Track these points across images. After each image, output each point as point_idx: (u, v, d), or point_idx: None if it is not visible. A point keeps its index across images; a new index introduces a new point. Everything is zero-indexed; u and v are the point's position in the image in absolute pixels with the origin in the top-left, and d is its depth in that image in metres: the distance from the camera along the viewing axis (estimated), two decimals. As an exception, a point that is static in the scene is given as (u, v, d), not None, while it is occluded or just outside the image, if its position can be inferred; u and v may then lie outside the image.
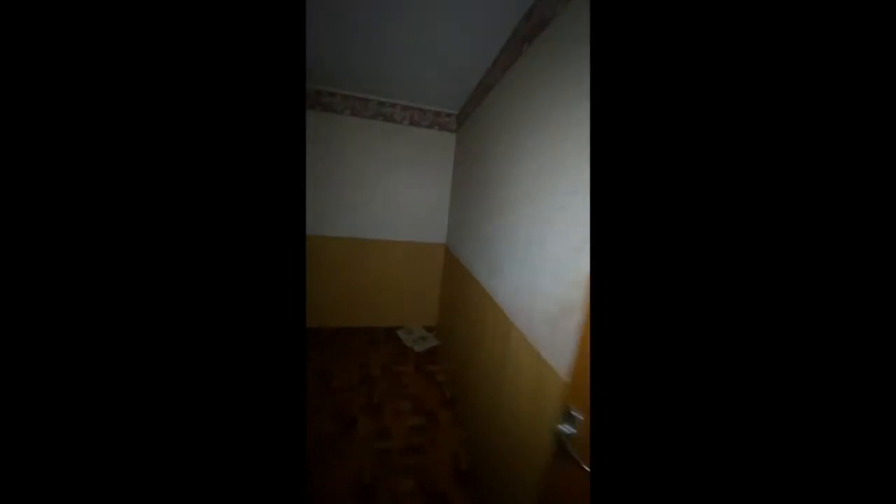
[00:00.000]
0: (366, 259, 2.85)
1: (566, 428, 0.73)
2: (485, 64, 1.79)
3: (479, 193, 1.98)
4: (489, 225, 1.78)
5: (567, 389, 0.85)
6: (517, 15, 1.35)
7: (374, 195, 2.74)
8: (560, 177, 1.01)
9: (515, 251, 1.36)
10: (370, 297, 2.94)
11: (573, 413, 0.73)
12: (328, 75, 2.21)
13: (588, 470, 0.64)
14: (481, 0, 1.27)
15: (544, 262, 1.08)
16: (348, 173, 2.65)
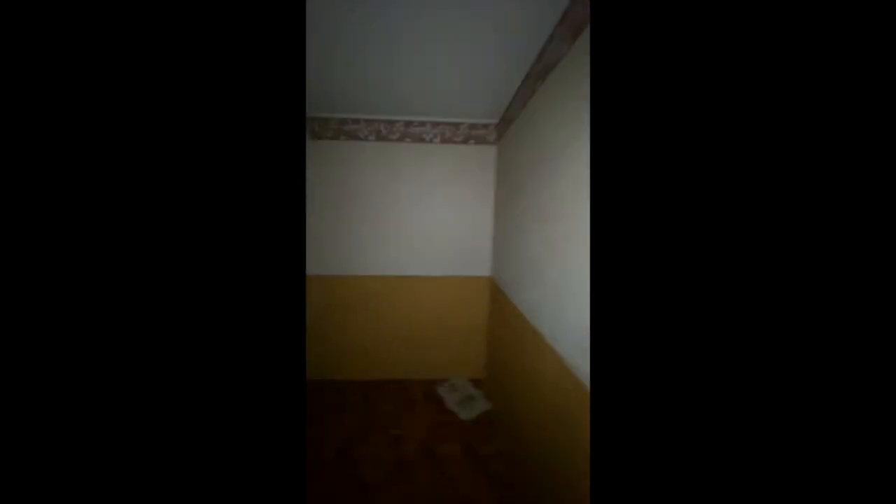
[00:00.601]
0: (399, 299, 2.44)
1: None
2: (529, 57, 1.39)
3: (533, 213, 1.50)
4: (547, 253, 1.27)
5: None
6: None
7: (406, 225, 2.38)
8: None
9: (582, 288, 0.87)
10: (405, 345, 2.49)
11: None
12: (349, 102, 2.00)
13: None
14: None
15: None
16: (376, 203, 2.35)
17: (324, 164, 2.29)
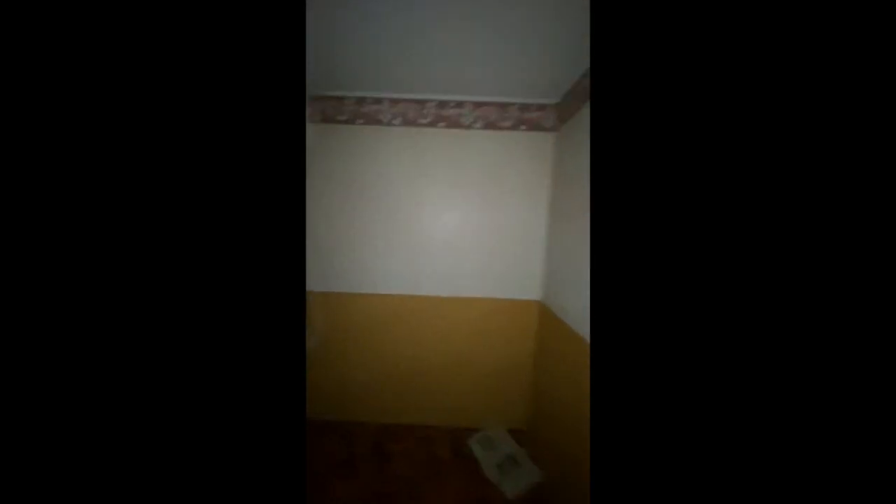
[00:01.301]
0: (421, 325, 1.95)
1: None
2: None
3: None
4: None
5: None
6: None
7: (433, 233, 1.89)
8: None
9: None
10: (427, 382, 1.99)
11: None
12: (369, 77, 1.54)
13: None
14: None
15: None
16: (397, 204, 1.87)
17: (335, 155, 1.84)
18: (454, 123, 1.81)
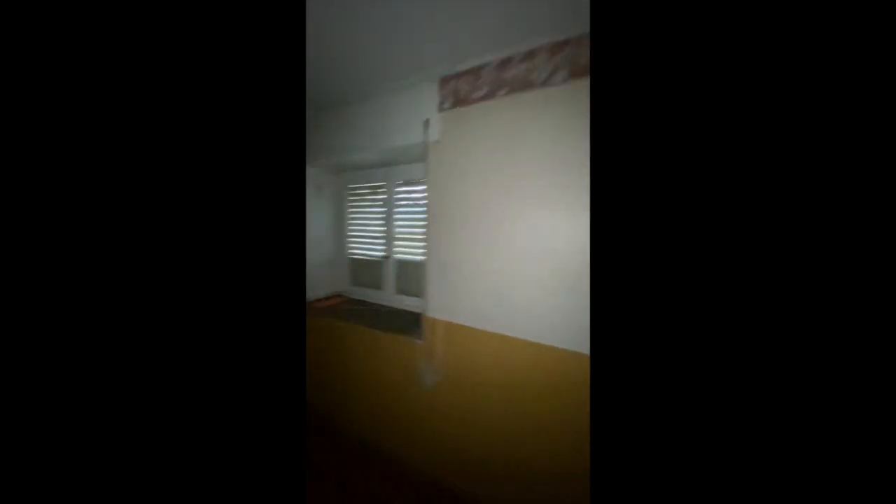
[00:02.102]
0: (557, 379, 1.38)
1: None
2: None
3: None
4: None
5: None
6: None
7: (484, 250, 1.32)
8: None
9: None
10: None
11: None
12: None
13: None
14: None
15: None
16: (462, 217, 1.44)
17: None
18: (527, 84, 1.23)
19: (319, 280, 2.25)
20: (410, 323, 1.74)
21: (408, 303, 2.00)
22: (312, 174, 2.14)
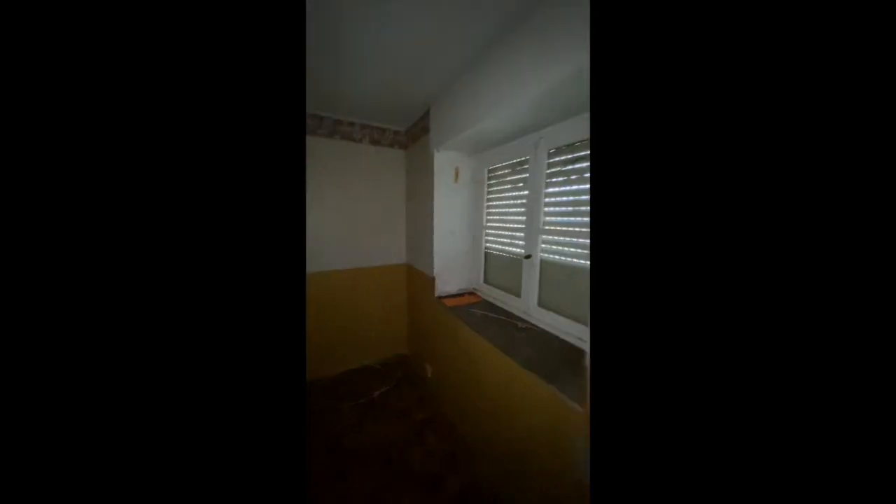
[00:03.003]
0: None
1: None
2: None
3: None
4: None
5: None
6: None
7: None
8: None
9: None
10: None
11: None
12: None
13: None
14: None
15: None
16: None
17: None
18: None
19: (451, 274, 1.96)
20: (564, 362, 1.16)
21: (556, 324, 1.41)
22: (447, 158, 1.82)
